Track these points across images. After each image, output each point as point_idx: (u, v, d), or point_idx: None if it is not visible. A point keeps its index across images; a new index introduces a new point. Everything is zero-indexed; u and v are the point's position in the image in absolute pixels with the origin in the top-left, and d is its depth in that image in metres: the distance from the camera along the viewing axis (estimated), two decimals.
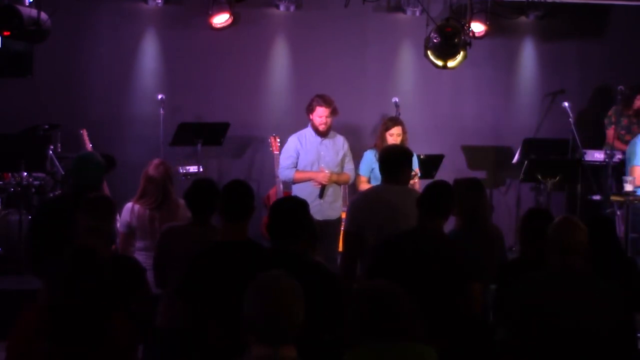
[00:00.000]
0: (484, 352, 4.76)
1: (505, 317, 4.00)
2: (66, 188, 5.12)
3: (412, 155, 5.35)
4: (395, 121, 7.50)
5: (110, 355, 3.47)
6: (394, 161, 5.17)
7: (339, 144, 7.44)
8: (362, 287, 3.11)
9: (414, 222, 4.56)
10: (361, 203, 5.05)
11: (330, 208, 7.27)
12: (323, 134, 7.33)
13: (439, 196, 4.50)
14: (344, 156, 7.44)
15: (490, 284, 5.16)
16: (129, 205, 5.55)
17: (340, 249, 6.94)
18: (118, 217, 5.29)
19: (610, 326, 3.85)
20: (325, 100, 7.27)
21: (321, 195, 7.20)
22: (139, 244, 5.46)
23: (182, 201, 5.28)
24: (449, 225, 5.18)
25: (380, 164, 5.21)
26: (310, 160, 7.35)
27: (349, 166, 7.50)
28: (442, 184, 4.69)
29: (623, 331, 3.98)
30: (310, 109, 7.32)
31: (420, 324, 3.05)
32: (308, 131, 7.39)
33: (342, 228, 5.18)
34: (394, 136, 7.35)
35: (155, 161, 5.65)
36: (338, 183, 7.39)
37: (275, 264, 3.53)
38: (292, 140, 7.43)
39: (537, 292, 3.88)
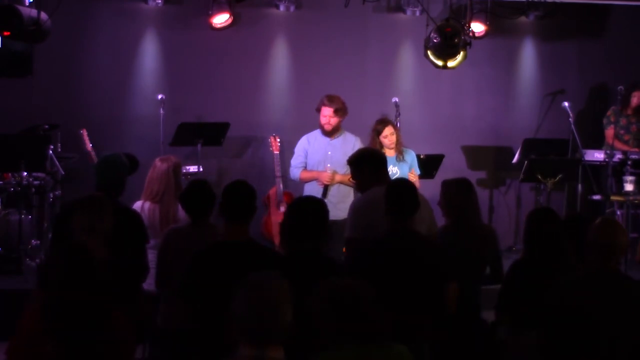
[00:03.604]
0: (466, 351, 4.75)
1: (541, 318, 3.93)
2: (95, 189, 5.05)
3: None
4: (384, 123, 7.43)
5: (110, 354, 3.47)
6: (382, 161, 5.20)
7: (349, 143, 7.38)
8: (329, 286, 2.95)
9: (417, 220, 4.57)
10: (363, 207, 5.02)
11: (335, 208, 7.17)
12: (329, 134, 7.34)
13: (402, 195, 4.49)
14: None
15: (481, 283, 5.16)
16: (138, 203, 5.53)
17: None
18: None
19: None
20: (329, 100, 7.30)
21: (324, 194, 7.18)
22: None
23: None
24: (439, 223, 5.21)
25: (370, 166, 5.20)
26: (317, 159, 7.39)
27: None
28: (402, 182, 4.71)
29: None
30: (317, 109, 7.38)
31: (388, 323, 2.92)
32: (318, 131, 7.45)
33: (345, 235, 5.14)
34: (388, 137, 7.33)
35: (164, 156, 5.68)
36: (344, 183, 7.35)
37: (296, 265, 3.55)
38: (302, 141, 7.52)
39: (577, 293, 3.83)
